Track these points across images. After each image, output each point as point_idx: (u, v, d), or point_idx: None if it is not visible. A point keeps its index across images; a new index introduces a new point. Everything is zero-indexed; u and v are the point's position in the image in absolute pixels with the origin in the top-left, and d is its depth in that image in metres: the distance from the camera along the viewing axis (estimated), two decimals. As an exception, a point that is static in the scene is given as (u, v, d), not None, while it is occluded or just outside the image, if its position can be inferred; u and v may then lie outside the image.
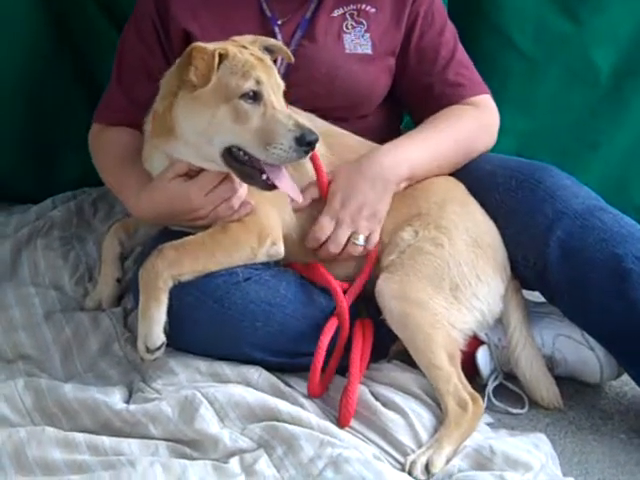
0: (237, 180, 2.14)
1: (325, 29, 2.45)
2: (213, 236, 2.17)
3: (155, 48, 2.44)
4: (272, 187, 2.08)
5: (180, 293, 2.13)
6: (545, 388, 2.28)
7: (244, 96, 2.05)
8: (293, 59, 2.27)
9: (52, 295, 2.48)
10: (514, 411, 2.27)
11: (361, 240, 2.26)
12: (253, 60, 2.10)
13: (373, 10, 2.49)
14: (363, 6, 2.48)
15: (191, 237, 2.17)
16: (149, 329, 2.12)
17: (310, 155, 2.08)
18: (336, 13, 2.47)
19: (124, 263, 2.50)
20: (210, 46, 2.06)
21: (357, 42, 2.46)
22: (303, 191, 2.24)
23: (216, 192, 2.15)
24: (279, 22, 2.44)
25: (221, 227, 2.18)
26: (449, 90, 2.50)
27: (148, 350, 2.13)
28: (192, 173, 2.17)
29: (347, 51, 2.45)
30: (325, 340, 2.13)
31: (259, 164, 2.06)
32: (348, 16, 2.47)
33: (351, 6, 2.48)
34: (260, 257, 2.22)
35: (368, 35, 2.47)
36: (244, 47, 2.13)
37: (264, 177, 2.07)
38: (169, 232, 2.32)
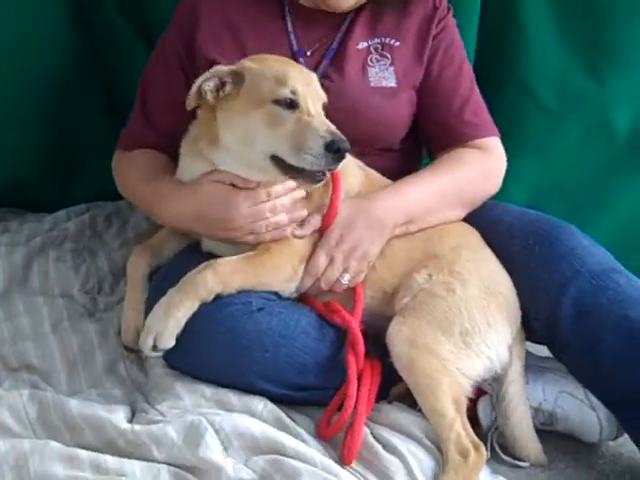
0: (283, 207, 2.21)
1: (351, 62, 2.48)
2: (258, 257, 2.21)
3: (179, 79, 2.48)
4: (319, 180, 2.14)
5: (192, 319, 2.14)
6: (532, 447, 2.26)
7: (278, 102, 2.12)
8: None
9: (60, 303, 2.48)
10: (520, 464, 2.25)
11: (346, 279, 2.29)
12: (292, 69, 2.19)
13: (397, 44, 2.52)
14: (387, 40, 2.51)
15: (237, 257, 2.20)
16: (167, 328, 2.12)
17: (337, 167, 2.12)
18: (361, 46, 2.50)
19: None
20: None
21: (381, 75, 2.49)
22: (306, 220, 2.28)
23: (260, 207, 2.20)
24: (307, 54, 2.48)
25: (263, 248, 2.22)
26: (465, 129, 2.53)
27: (155, 348, 2.13)
28: (237, 185, 2.22)
29: (372, 85, 2.48)
30: (354, 386, 2.13)
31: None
32: (372, 50, 2.51)
33: (375, 40, 2.52)
34: (299, 277, 2.26)
35: (392, 69, 2.49)
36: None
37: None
38: (190, 254, 2.36)
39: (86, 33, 2.89)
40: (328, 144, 2.05)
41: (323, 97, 2.22)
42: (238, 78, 2.18)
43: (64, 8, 2.83)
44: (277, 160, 2.15)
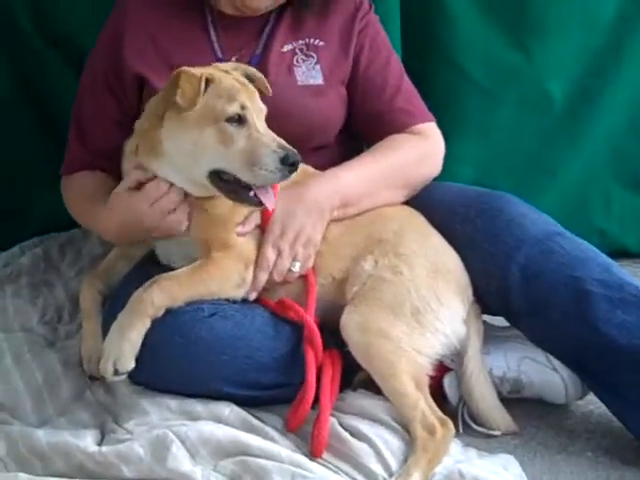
0: (178, 192, 2.24)
1: (276, 65, 2.51)
2: (202, 267, 2.24)
3: (108, 98, 2.51)
4: (260, 204, 2.17)
5: (147, 334, 2.16)
6: (500, 417, 2.29)
7: (229, 119, 2.14)
8: (270, 91, 2.33)
9: (20, 337, 2.47)
10: (492, 432, 2.27)
11: (297, 267, 2.32)
12: (237, 85, 2.20)
13: (322, 43, 2.56)
14: (312, 40, 2.55)
15: (182, 269, 2.23)
16: (123, 351, 2.13)
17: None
18: (286, 49, 2.54)
19: None
20: (197, 70, 2.16)
21: (308, 74, 2.52)
22: (246, 218, 2.31)
23: (160, 203, 2.24)
24: (232, 61, 2.48)
25: (207, 258, 2.25)
26: (399, 117, 2.57)
27: (116, 372, 2.14)
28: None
29: (299, 83, 2.51)
30: (313, 375, 2.17)
31: (246, 183, 2.15)
32: (298, 51, 2.54)
33: (300, 41, 2.55)
34: (248, 282, 2.29)
35: (319, 67, 2.53)
36: (227, 72, 2.24)
37: (251, 194, 2.15)
38: (136, 274, 2.37)
39: (14, 65, 2.92)
40: (282, 159, 2.10)
41: (265, 110, 2.24)
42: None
43: None
44: (217, 178, 2.17)
